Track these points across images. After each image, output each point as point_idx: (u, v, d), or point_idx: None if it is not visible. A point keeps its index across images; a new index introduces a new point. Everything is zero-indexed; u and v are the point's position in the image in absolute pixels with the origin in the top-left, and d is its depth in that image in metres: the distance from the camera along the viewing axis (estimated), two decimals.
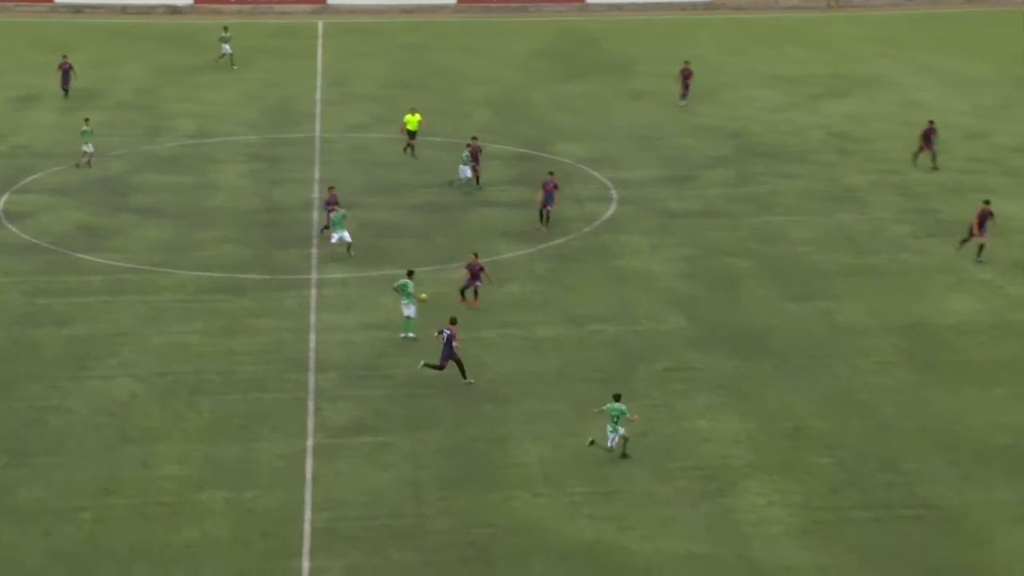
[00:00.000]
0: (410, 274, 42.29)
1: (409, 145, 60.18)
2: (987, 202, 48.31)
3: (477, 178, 55.87)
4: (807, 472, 34.32)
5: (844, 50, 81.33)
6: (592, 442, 35.04)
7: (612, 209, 53.80)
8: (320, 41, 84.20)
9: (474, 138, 57.06)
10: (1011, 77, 73.19)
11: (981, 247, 47.64)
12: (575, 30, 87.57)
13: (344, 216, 48.52)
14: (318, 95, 71.43)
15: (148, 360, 40.47)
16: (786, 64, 77.75)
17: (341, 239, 48.39)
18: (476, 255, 44.44)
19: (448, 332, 38.77)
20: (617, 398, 34.91)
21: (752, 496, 33.40)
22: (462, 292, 44.09)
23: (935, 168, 57.53)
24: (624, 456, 34.80)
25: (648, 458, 35.11)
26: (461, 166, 55.69)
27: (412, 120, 60.04)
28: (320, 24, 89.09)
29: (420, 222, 52.30)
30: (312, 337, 42.28)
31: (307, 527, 32.27)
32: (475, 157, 55.77)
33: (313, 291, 45.94)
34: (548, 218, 51.16)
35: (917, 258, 48.52)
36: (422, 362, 39.20)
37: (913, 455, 35.21)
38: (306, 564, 30.86)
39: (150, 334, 42.24)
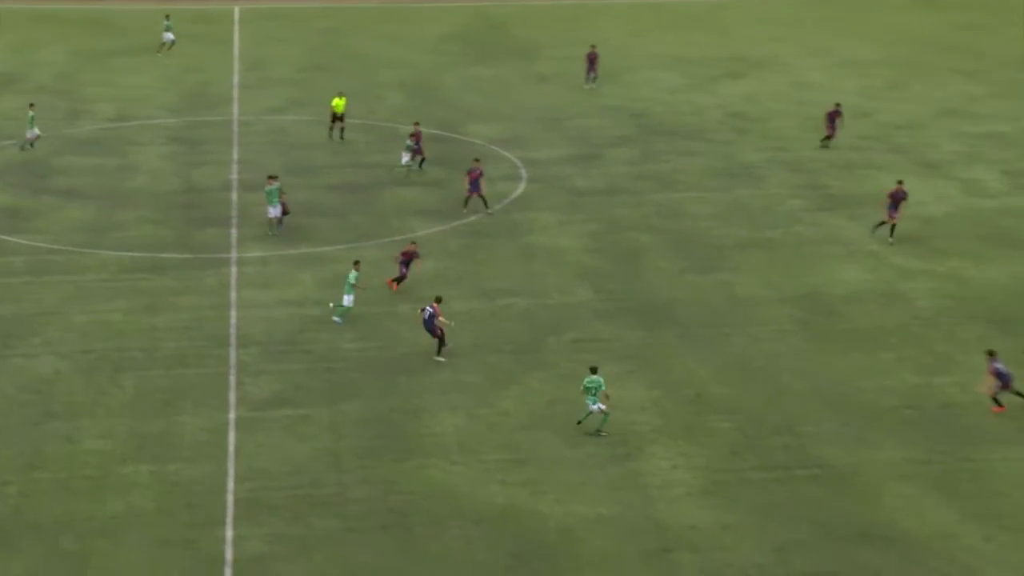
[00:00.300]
0: (356, 264, 41.64)
1: (333, 128, 59.24)
2: (900, 182, 48.02)
3: (421, 162, 55.06)
4: (709, 436, 34.63)
5: (740, 33, 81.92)
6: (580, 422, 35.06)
7: (522, 187, 53.81)
8: (236, 26, 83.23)
9: (416, 124, 56.26)
10: (896, 59, 74.17)
11: (893, 228, 47.43)
12: (484, 15, 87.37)
13: (279, 189, 47.95)
14: (235, 79, 70.64)
15: (71, 338, 39.87)
16: (685, 47, 78.15)
17: (274, 215, 48.02)
18: (415, 243, 43.83)
19: (431, 309, 38.45)
20: (594, 371, 34.71)
21: (657, 460, 33.65)
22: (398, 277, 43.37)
23: (826, 147, 58.05)
24: (598, 433, 34.59)
25: (558, 425, 35.23)
26: (404, 152, 54.73)
27: (339, 103, 59.29)
28: (236, 10, 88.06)
29: (337, 201, 51.94)
30: (233, 314, 41.89)
31: (230, 497, 32.02)
32: (418, 142, 54.99)
33: (233, 269, 45.50)
34: (485, 202, 50.43)
35: (810, 231, 49.04)
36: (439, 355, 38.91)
37: (808, 418, 35.64)
38: (229, 533, 30.62)
39: (73, 313, 41.61)
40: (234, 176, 54.70)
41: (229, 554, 29.87)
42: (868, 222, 49.52)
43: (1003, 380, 35.50)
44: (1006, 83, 68.35)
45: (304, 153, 58.16)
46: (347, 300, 41.08)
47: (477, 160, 51.85)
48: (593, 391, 34.46)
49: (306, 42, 79.34)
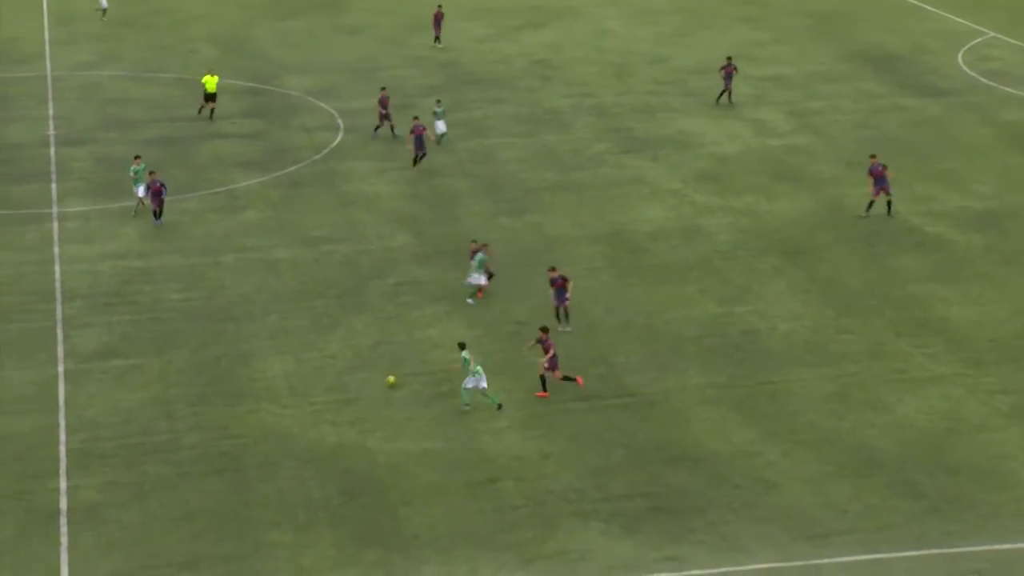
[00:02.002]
0: (485, 246, 39.05)
1: (205, 107, 54.36)
2: (873, 156, 45.92)
3: (391, 127, 52.08)
4: (528, 371, 34.83)
5: None
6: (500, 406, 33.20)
7: (339, 137, 53.10)
8: None
9: (383, 89, 53.04)
10: (684, 7, 75.15)
11: (889, 204, 44.79)
12: None
13: (144, 169, 44.52)
14: (46, 35, 67.91)
15: None
16: None
17: (141, 195, 44.37)
18: (475, 241, 39.79)
19: (560, 276, 36.67)
20: (462, 346, 33.37)
21: (479, 395, 33.75)
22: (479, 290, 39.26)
23: (731, 103, 57.30)
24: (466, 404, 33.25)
25: (383, 366, 35.09)
26: (437, 122, 51.49)
27: (211, 81, 54.48)
28: None
29: (155, 155, 50.44)
30: (57, 268, 40.53)
31: (62, 449, 31.17)
32: (385, 107, 51.74)
33: (55, 224, 43.97)
34: (422, 155, 48.74)
35: (615, 172, 49.59)
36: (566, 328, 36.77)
37: (619, 349, 36.22)
38: (63, 483, 29.82)
39: None
40: (51, 132, 52.70)
41: (63, 504, 29.10)
42: (669, 163, 50.31)
43: (552, 361, 33.53)
44: (786, 29, 70.00)
45: (120, 108, 56.38)
46: (475, 279, 38.56)
47: (416, 118, 49.81)
48: (468, 364, 32.95)
49: None
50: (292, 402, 33.38)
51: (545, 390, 33.79)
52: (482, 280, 38.68)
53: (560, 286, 36.69)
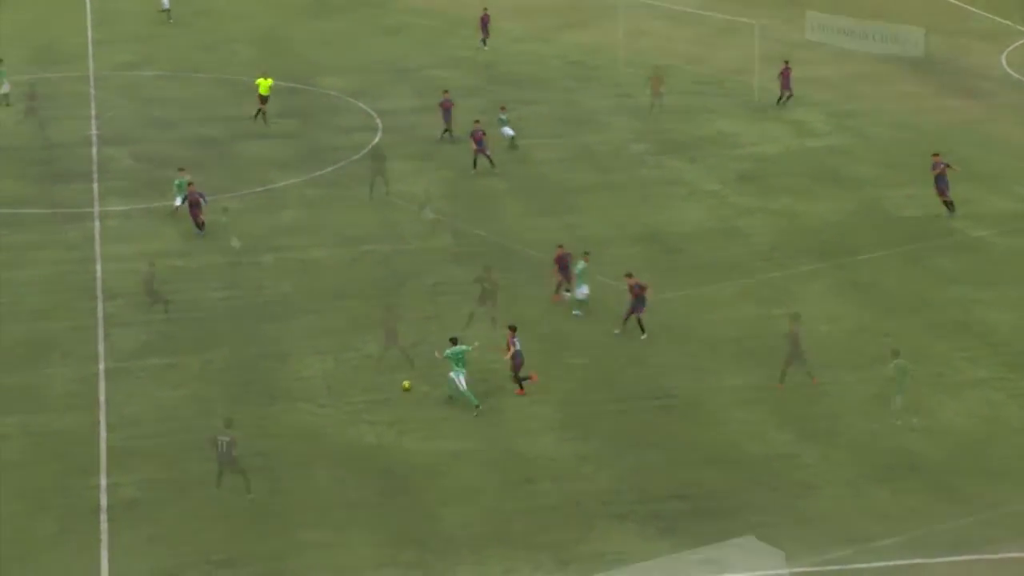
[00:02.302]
0: (586, 255, 38.34)
1: (260, 110, 54.21)
2: (936, 154, 44.22)
3: (445, 131, 52.01)
4: (565, 371, 34.82)
5: None
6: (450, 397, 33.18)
7: (377, 137, 53.23)
8: None
9: (446, 92, 52.88)
10: (722, 6, 74.88)
11: (950, 204, 44.27)
12: None
13: (189, 182, 43.88)
14: (88, 35, 68.43)
15: None
16: None
17: (178, 205, 44.11)
18: (562, 246, 39.38)
19: (637, 284, 36.18)
20: (454, 341, 33.31)
21: (516, 396, 33.76)
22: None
23: (784, 105, 56.92)
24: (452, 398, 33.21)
25: (422, 366, 35.11)
26: (503, 128, 51.30)
27: (264, 84, 54.22)
28: None
29: (194, 154, 50.77)
30: (98, 267, 40.83)
31: (103, 446, 31.37)
32: (448, 111, 51.73)
33: (96, 223, 44.30)
34: (490, 159, 48.73)
35: (654, 173, 49.47)
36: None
37: (656, 351, 36.08)
38: (104, 480, 30.00)
39: None
40: (93, 131, 53.10)
41: (104, 501, 29.29)
42: (708, 164, 50.16)
43: (515, 359, 33.36)
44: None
45: (159, 107, 56.79)
46: (580, 292, 37.84)
47: (477, 121, 49.46)
48: (457, 361, 32.82)
49: None
50: (330, 402, 33.46)
51: (521, 387, 33.59)
52: (584, 290, 37.79)
53: (638, 294, 36.27)
